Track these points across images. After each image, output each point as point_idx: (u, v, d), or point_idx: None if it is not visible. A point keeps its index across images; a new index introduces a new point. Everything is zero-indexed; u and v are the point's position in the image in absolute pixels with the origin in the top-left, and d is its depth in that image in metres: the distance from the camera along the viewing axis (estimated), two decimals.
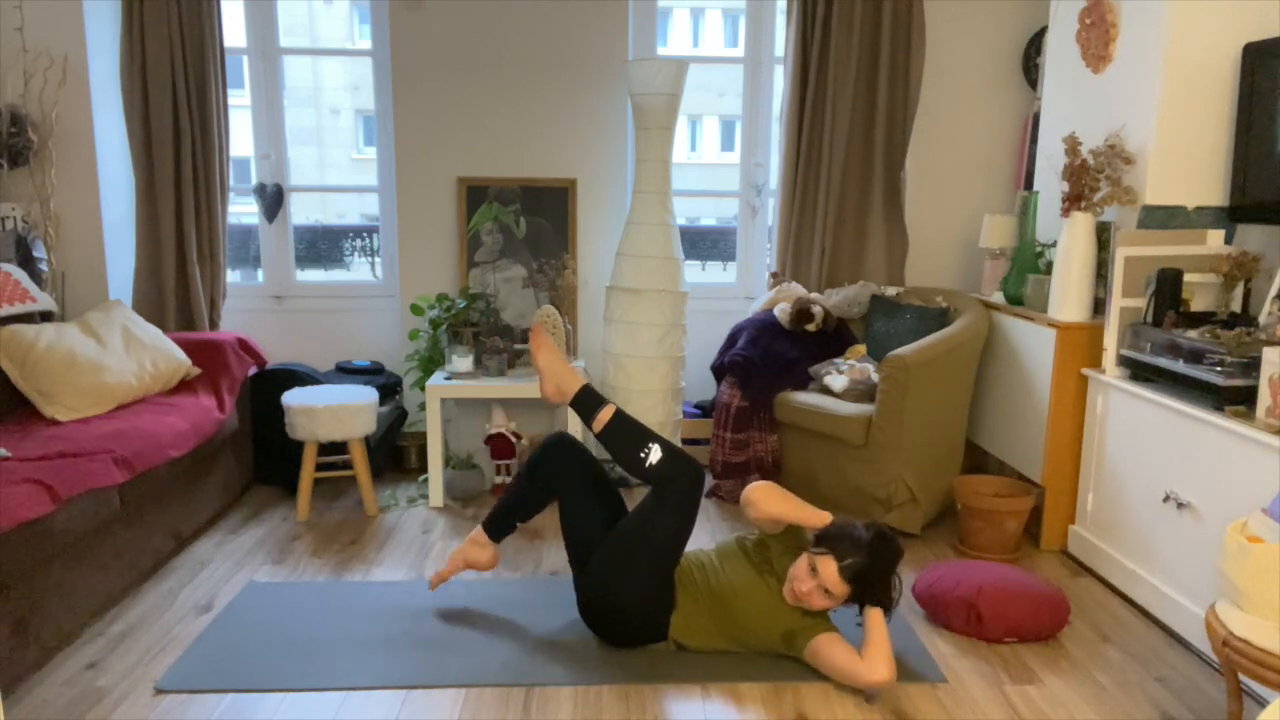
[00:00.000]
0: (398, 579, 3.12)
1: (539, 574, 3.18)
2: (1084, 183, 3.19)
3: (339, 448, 3.92)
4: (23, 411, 3.22)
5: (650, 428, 2.79)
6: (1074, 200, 3.22)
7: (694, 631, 2.63)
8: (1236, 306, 3.03)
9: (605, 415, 2.65)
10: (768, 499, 2.66)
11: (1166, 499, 2.78)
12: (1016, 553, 3.34)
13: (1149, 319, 3.00)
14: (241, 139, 4.37)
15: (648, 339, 3.88)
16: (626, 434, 2.63)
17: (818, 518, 2.61)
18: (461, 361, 3.84)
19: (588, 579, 2.65)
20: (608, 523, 2.71)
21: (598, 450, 4.13)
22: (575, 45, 4.10)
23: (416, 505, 3.84)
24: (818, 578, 2.49)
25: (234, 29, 4.21)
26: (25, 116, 3.73)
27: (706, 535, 3.52)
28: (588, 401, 2.69)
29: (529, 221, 4.15)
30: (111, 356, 3.34)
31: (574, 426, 3.76)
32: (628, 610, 2.60)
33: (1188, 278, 3.02)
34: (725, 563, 2.69)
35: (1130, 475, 2.99)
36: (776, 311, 3.97)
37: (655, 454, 2.58)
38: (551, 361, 2.75)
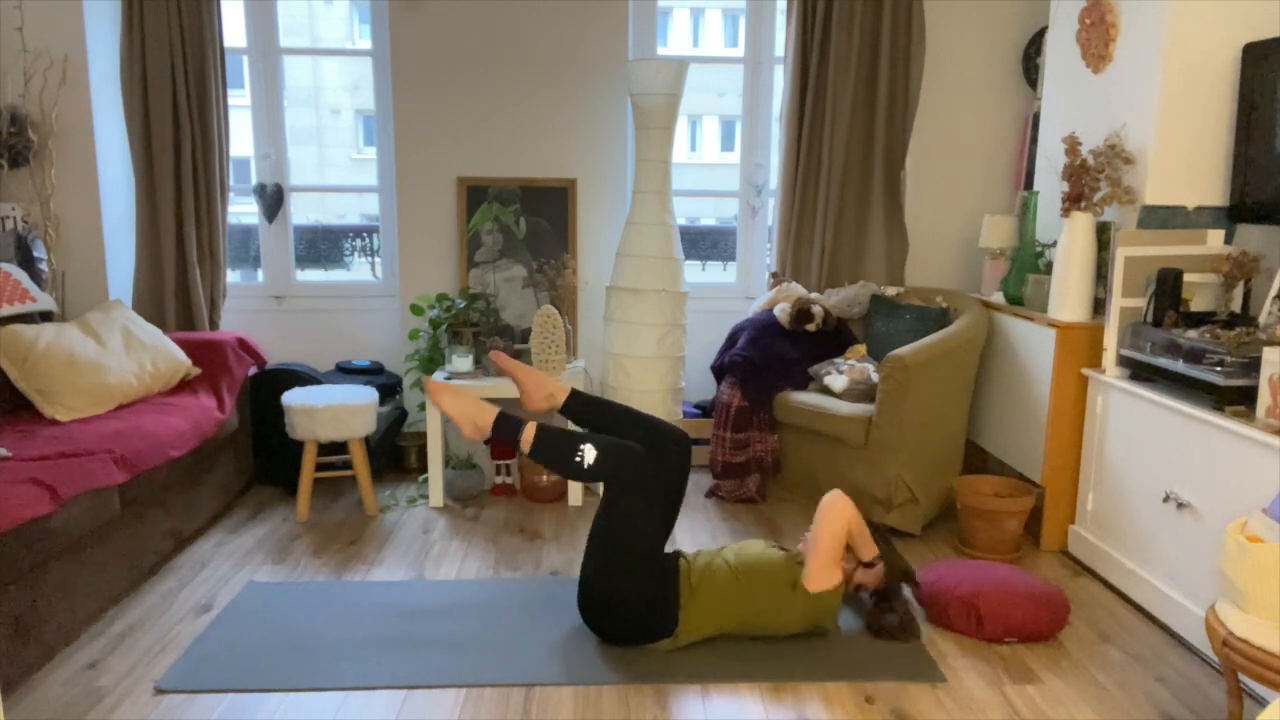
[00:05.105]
0: (398, 579, 3.12)
1: (539, 574, 3.18)
2: (1084, 183, 3.19)
3: (339, 448, 3.92)
4: (23, 411, 3.22)
5: (572, 429, 2.75)
6: (1074, 200, 3.22)
7: (703, 609, 2.63)
8: (1236, 306, 3.03)
9: (529, 434, 2.60)
10: (847, 512, 2.74)
11: (1166, 499, 2.78)
12: (1016, 553, 3.34)
13: (1149, 319, 3.00)
14: (241, 139, 4.37)
15: (648, 339, 3.88)
16: (555, 445, 2.60)
17: (870, 550, 2.80)
18: (461, 361, 3.84)
19: (582, 583, 2.67)
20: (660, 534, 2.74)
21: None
22: (575, 45, 4.10)
23: (416, 505, 3.84)
24: (860, 570, 2.79)
25: (234, 29, 4.21)
26: (25, 116, 3.73)
27: (707, 535, 3.52)
28: (507, 428, 2.62)
29: (529, 221, 4.14)
30: (111, 356, 3.34)
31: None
32: (629, 603, 2.60)
33: (1188, 278, 3.02)
34: (746, 548, 2.81)
35: (1130, 475, 2.99)
36: (776, 311, 3.97)
37: (590, 454, 2.57)
38: (458, 404, 2.64)
